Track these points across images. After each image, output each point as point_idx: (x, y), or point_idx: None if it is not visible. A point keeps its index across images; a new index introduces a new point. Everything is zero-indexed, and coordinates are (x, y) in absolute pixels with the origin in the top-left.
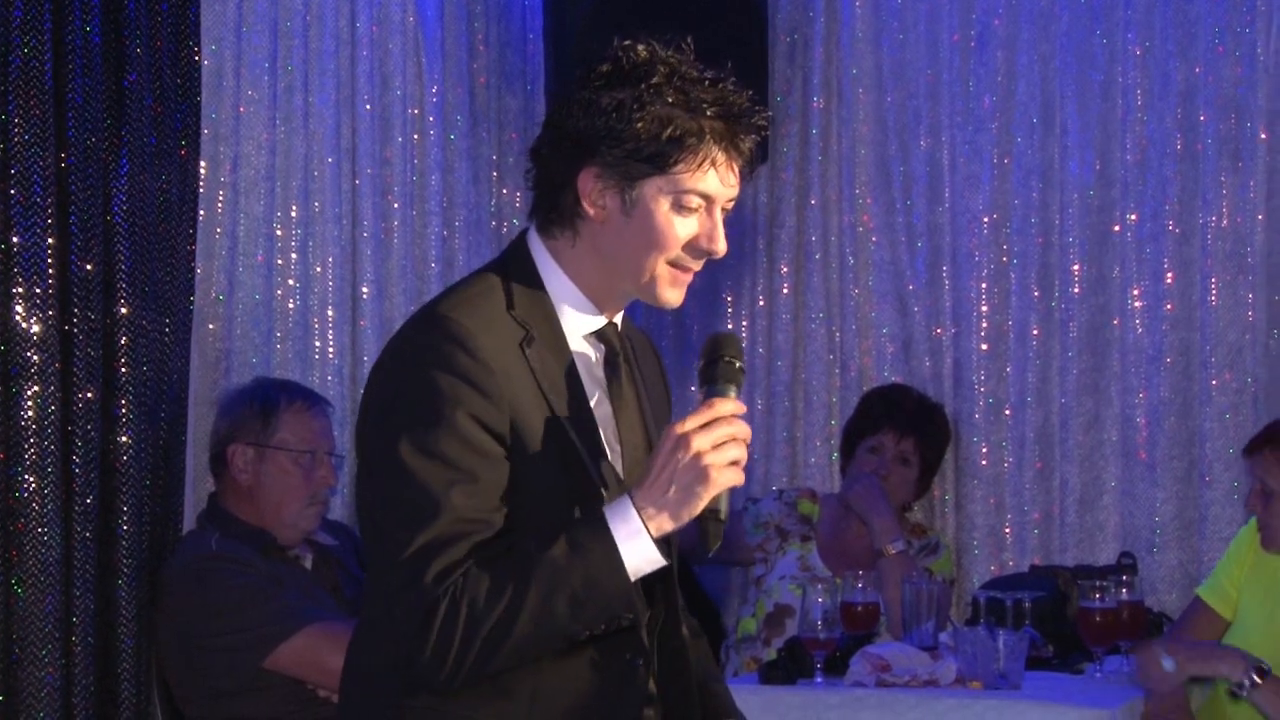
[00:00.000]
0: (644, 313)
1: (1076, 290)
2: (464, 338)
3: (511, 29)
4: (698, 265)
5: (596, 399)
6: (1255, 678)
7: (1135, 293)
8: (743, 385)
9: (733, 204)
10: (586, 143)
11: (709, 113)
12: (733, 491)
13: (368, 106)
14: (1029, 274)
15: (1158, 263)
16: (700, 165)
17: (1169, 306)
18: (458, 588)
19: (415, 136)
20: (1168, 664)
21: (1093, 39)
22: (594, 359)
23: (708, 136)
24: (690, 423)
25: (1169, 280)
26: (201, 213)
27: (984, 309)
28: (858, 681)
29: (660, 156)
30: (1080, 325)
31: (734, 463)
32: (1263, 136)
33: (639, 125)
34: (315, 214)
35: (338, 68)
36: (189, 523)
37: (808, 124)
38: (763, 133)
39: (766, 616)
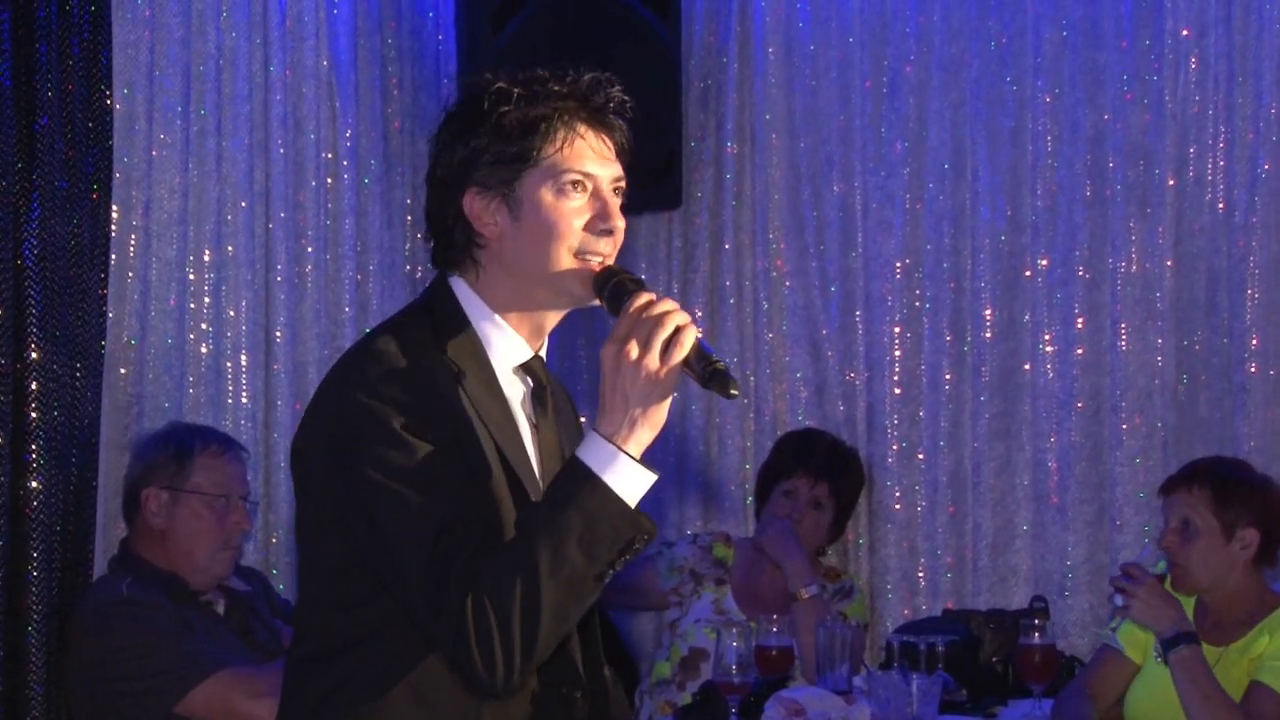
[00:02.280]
0: (558, 357)
1: (988, 335)
2: (399, 368)
3: (425, 73)
4: (605, 249)
5: (525, 435)
6: (1159, 648)
7: (1046, 338)
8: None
9: (621, 185)
10: (458, 173)
11: (555, 91)
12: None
13: (281, 150)
14: (941, 319)
15: (1068, 308)
16: (565, 142)
17: (1079, 351)
18: (475, 588)
19: (329, 180)
20: (1118, 600)
21: (1003, 85)
22: (523, 393)
23: (560, 114)
24: (614, 336)
25: (1079, 325)
26: (113, 257)
27: (897, 353)
28: None
29: (524, 149)
30: (992, 370)
31: (676, 334)
32: (1171, 183)
33: (494, 132)
34: (228, 258)
35: (251, 112)
36: (99, 568)
37: (721, 169)
38: (623, 107)
39: (681, 660)
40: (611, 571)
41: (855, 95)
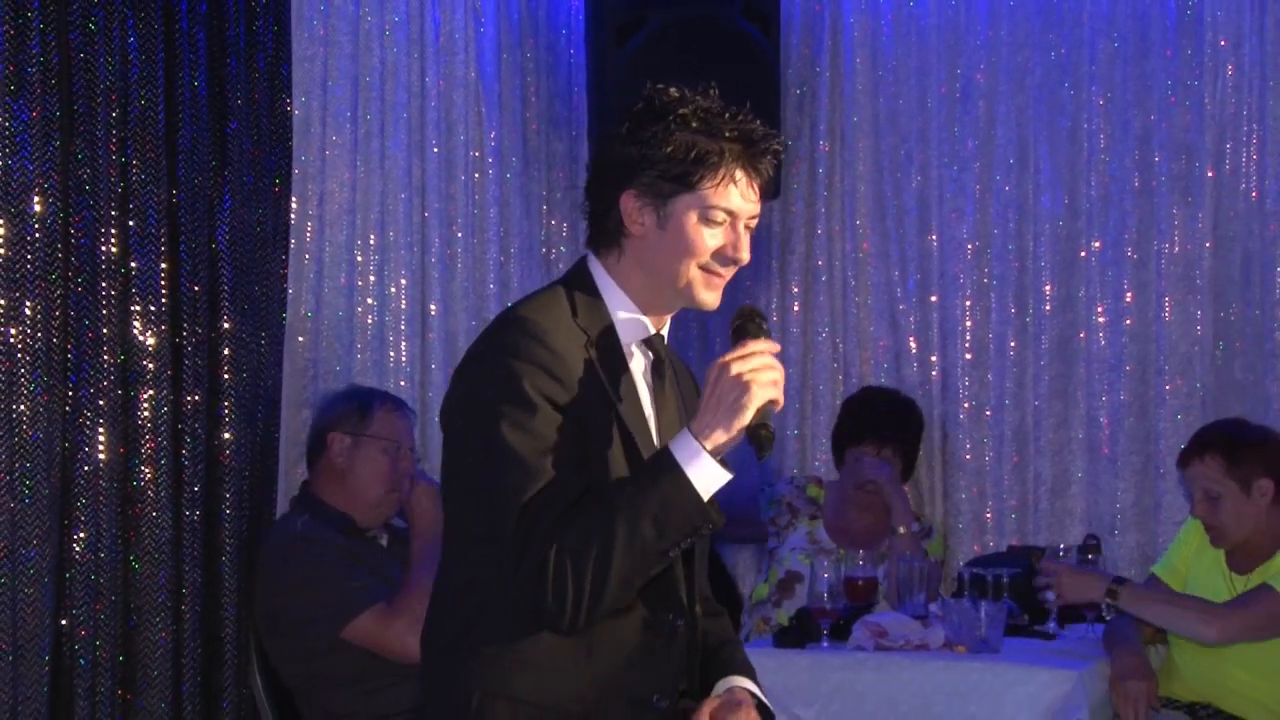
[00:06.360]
0: (672, 327)
1: (1048, 308)
2: (539, 333)
3: (558, 82)
4: (726, 272)
5: (645, 400)
6: (1108, 599)
7: (1099, 310)
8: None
9: (755, 221)
10: (625, 169)
11: (728, 136)
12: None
13: (435, 150)
14: (1007, 294)
15: (1118, 284)
16: (722, 181)
17: (1128, 322)
18: (560, 540)
19: (476, 176)
20: (1050, 596)
21: (1062, 91)
22: (644, 365)
23: (727, 156)
24: (728, 355)
25: (1128, 299)
26: (292, 241)
27: (968, 324)
28: (859, 646)
29: (687, 175)
30: (1051, 338)
31: (772, 382)
32: (1210, 175)
33: (668, 150)
34: (390, 242)
35: (409, 116)
36: (281, 508)
37: (815, 164)
38: (778, 156)
39: (778, 582)
40: (677, 549)
41: (932, 99)
